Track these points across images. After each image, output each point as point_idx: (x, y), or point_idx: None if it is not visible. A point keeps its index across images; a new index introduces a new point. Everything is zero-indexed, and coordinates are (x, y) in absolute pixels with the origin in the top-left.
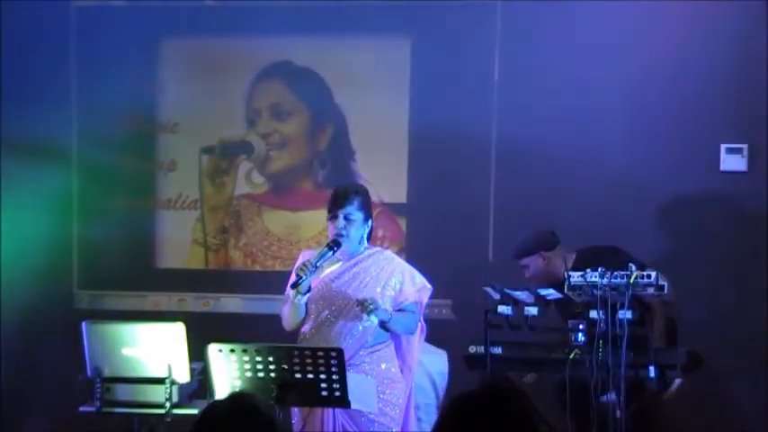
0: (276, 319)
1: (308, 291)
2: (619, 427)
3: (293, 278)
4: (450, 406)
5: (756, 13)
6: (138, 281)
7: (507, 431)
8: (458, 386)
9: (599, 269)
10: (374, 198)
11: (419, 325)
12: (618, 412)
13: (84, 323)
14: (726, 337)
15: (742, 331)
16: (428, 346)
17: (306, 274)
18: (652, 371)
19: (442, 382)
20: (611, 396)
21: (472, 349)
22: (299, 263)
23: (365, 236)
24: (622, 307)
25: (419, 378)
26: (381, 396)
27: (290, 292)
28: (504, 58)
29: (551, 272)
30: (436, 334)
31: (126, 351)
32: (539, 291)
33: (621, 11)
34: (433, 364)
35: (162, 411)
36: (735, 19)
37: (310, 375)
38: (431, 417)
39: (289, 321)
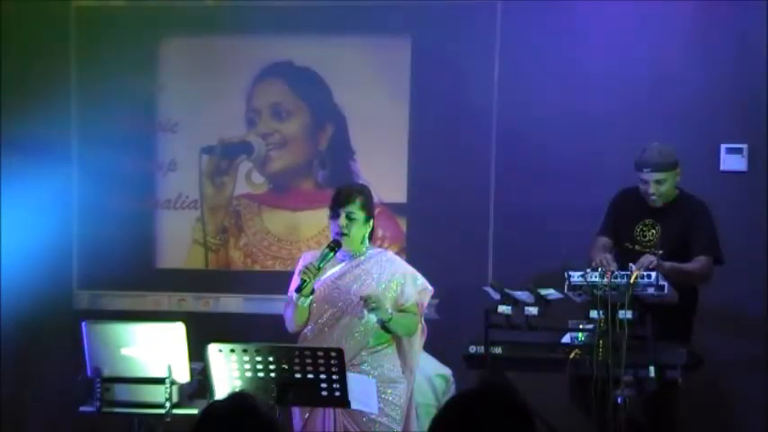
0: (276, 318)
1: (312, 293)
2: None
3: (296, 280)
4: (445, 407)
5: (756, 13)
6: (138, 281)
7: (502, 429)
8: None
9: (599, 269)
10: (374, 198)
11: (420, 326)
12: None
13: (83, 323)
14: (726, 337)
15: (742, 331)
16: (432, 359)
17: (309, 277)
18: (652, 371)
19: (442, 385)
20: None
21: (472, 349)
22: (299, 265)
23: (366, 236)
24: (622, 307)
25: (417, 378)
26: (383, 396)
27: (293, 295)
28: (504, 58)
29: (671, 191)
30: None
31: (125, 351)
32: (539, 291)
33: (621, 11)
34: (432, 366)
35: (162, 411)
36: (735, 19)
37: (310, 375)
38: (430, 418)
39: (293, 324)
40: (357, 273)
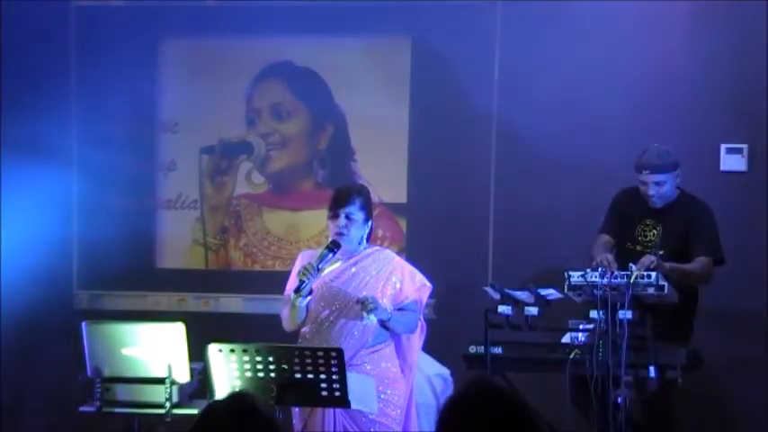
0: (276, 318)
1: (310, 293)
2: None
3: (293, 279)
4: (441, 411)
5: (756, 13)
6: (138, 281)
7: (495, 428)
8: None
9: (599, 269)
10: (374, 198)
11: (419, 324)
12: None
13: (84, 323)
14: (726, 337)
15: (742, 331)
16: (431, 359)
17: (308, 278)
18: (652, 371)
19: (441, 385)
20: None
21: (472, 349)
22: (297, 265)
23: (365, 236)
24: (622, 307)
25: (417, 378)
26: (382, 396)
27: (290, 294)
28: (504, 58)
29: (671, 193)
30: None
31: (126, 351)
32: (539, 291)
33: (621, 11)
34: (430, 365)
35: (162, 411)
36: (735, 19)
37: (310, 375)
38: (430, 417)
39: (289, 323)
40: (355, 271)
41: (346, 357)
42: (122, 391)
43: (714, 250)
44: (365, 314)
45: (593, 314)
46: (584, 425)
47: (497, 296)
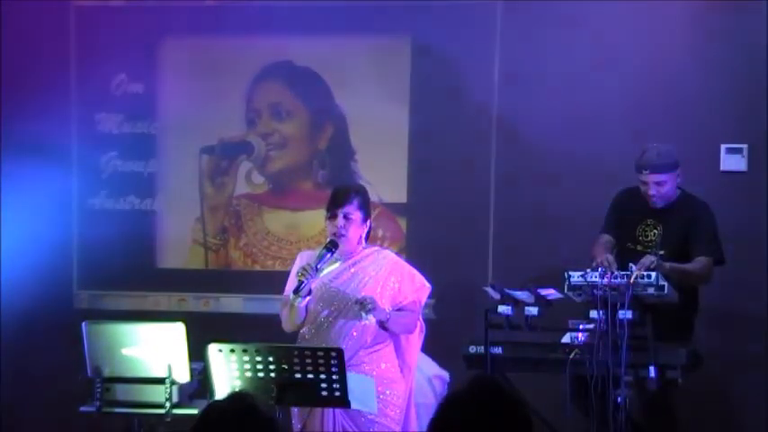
0: (276, 318)
1: (309, 293)
2: (624, 425)
3: (292, 280)
4: (439, 408)
5: (756, 13)
6: (138, 281)
7: (494, 427)
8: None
9: (599, 269)
10: (374, 198)
11: (418, 324)
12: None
13: (84, 323)
14: (726, 337)
15: (742, 331)
16: (431, 361)
17: (306, 278)
18: (652, 371)
19: (440, 386)
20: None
21: (472, 349)
22: (296, 265)
23: (364, 235)
24: (622, 307)
25: (417, 379)
26: (381, 396)
27: (290, 295)
28: (504, 58)
29: (672, 192)
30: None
31: (126, 351)
32: (539, 291)
33: (621, 11)
34: (430, 366)
35: (162, 411)
36: (735, 19)
37: (310, 375)
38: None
39: (289, 324)
40: (354, 271)
41: (345, 358)
42: (122, 391)
43: (714, 250)
44: (364, 314)
45: (593, 314)
46: (584, 425)
47: (497, 296)
